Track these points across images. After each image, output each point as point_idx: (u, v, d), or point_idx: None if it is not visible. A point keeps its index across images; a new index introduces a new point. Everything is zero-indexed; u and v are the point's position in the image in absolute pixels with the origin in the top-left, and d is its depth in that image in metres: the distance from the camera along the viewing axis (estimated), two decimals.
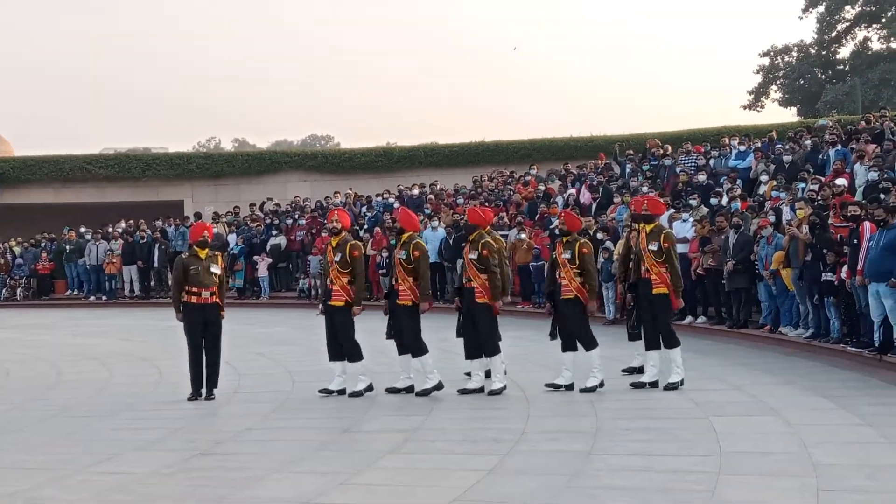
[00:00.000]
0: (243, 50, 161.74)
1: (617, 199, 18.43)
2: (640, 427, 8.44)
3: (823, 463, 6.87)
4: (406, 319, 10.25)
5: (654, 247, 10.15)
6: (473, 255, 10.32)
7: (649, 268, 10.18)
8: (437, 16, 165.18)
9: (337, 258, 10.39)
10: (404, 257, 10.25)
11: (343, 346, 10.35)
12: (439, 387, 10.17)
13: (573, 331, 10.27)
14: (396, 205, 23.09)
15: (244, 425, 9.13)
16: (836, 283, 11.64)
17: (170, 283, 24.11)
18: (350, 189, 26.59)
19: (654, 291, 10.17)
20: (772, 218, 13.87)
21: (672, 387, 9.97)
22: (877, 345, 10.99)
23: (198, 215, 24.81)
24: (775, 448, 7.42)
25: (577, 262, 10.16)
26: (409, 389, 10.32)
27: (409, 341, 10.26)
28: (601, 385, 10.09)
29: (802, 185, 15.53)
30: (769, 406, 9.06)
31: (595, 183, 20.61)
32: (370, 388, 10.38)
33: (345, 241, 10.46)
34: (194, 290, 10.50)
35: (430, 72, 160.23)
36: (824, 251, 11.90)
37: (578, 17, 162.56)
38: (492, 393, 10.09)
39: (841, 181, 14.67)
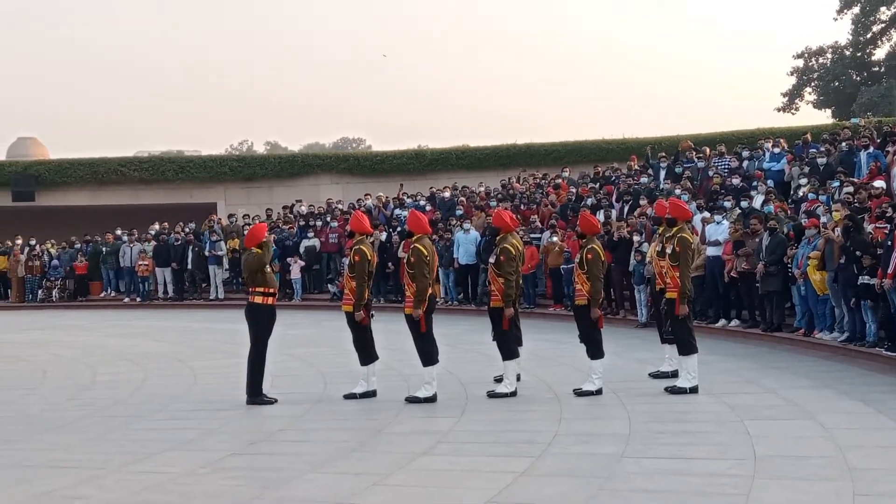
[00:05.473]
0: (275, 54, 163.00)
1: (643, 202, 18.32)
2: (674, 430, 8.40)
3: (859, 467, 6.82)
4: (409, 325, 10.16)
5: (669, 250, 10.15)
6: (493, 259, 10.37)
7: (666, 271, 10.19)
8: (466, 19, 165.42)
9: (347, 262, 10.52)
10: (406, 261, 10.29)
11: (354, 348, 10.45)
12: (432, 399, 9.94)
13: (582, 337, 10.25)
14: (428, 207, 23.16)
15: (277, 426, 9.19)
16: (876, 287, 11.45)
17: (204, 282, 24.77)
18: (401, 187, 26.45)
19: (667, 295, 10.21)
20: (804, 220, 13.75)
21: (679, 391, 9.92)
22: None
23: (259, 216, 25.09)
24: (810, 452, 7.37)
25: (584, 267, 10.15)
26: (431, 399, 9.98)
27: (417, 348, 10.14)
28: (598, 392, 9.98)
29: (836, 184, 15.37)
30: (804, 410, 8.99)
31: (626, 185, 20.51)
32: (368, 394, 10.30)
33: (355, 244, 10.47)
34: (270, 291, 10.61)
35: (461, 74, 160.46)
36: (858, 254, 11.77)
37: (609, 19, 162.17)
38: (491, 395, 10.12)
39: (879, 183, 14.51)
